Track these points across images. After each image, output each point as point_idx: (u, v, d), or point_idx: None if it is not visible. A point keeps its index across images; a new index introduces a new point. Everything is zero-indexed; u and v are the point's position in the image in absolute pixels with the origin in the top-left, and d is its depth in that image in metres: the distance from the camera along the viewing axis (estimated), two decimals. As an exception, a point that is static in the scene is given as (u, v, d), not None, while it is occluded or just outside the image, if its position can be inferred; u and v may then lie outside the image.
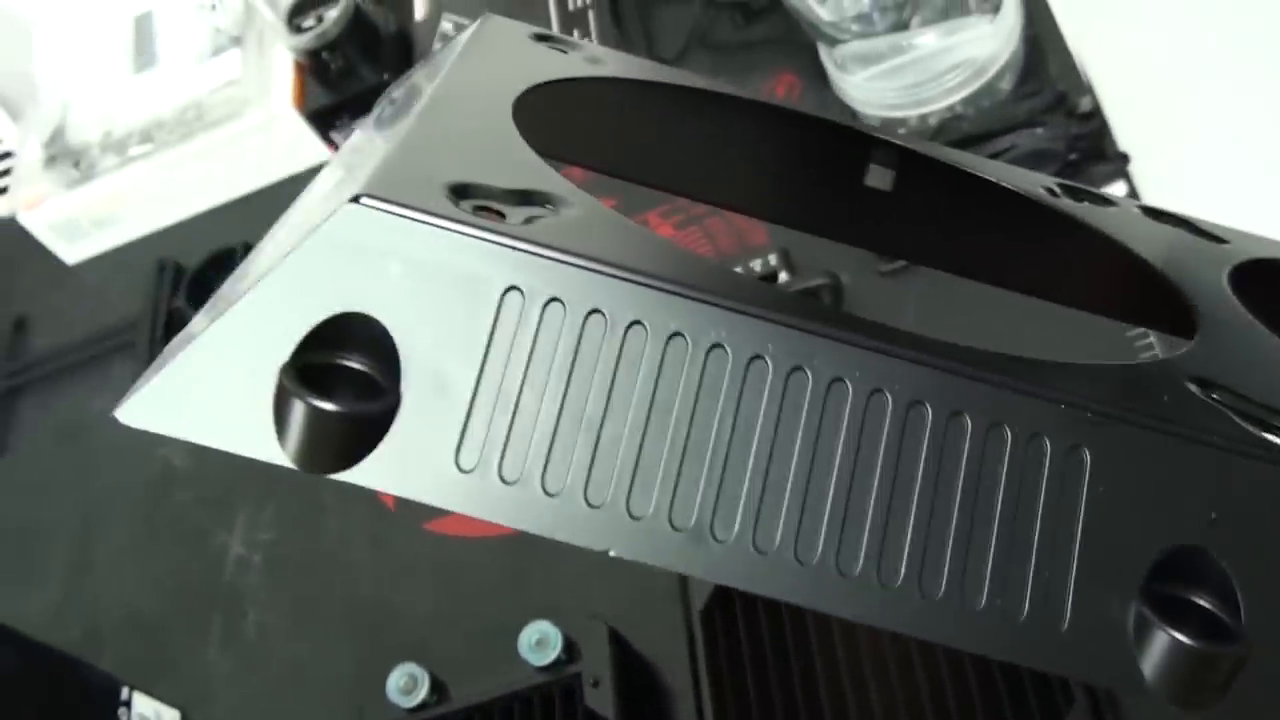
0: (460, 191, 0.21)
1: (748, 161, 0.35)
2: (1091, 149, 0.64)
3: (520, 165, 0.24)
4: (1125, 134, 0.65)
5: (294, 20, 0.82)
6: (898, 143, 0.34)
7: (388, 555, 0.67)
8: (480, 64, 0.30)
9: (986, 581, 0.20)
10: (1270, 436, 0.21)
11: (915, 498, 0.20)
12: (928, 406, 0.20)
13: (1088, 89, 0.66)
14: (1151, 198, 0.63)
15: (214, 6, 0.89)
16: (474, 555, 0.64)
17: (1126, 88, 0.66)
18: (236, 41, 0.87)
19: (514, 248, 0.20)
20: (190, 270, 0.83)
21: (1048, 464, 0.20)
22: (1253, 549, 0.20)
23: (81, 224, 0.89)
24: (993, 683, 0.48)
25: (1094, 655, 0.20)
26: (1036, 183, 0.32)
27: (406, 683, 0.57)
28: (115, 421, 0.21)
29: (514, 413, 0.20)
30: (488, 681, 0.57)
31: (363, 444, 0.20)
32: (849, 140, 0.34)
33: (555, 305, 0.20)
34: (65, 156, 0.88)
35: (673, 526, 0.20)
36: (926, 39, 0.68)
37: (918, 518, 0.20)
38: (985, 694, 0.48)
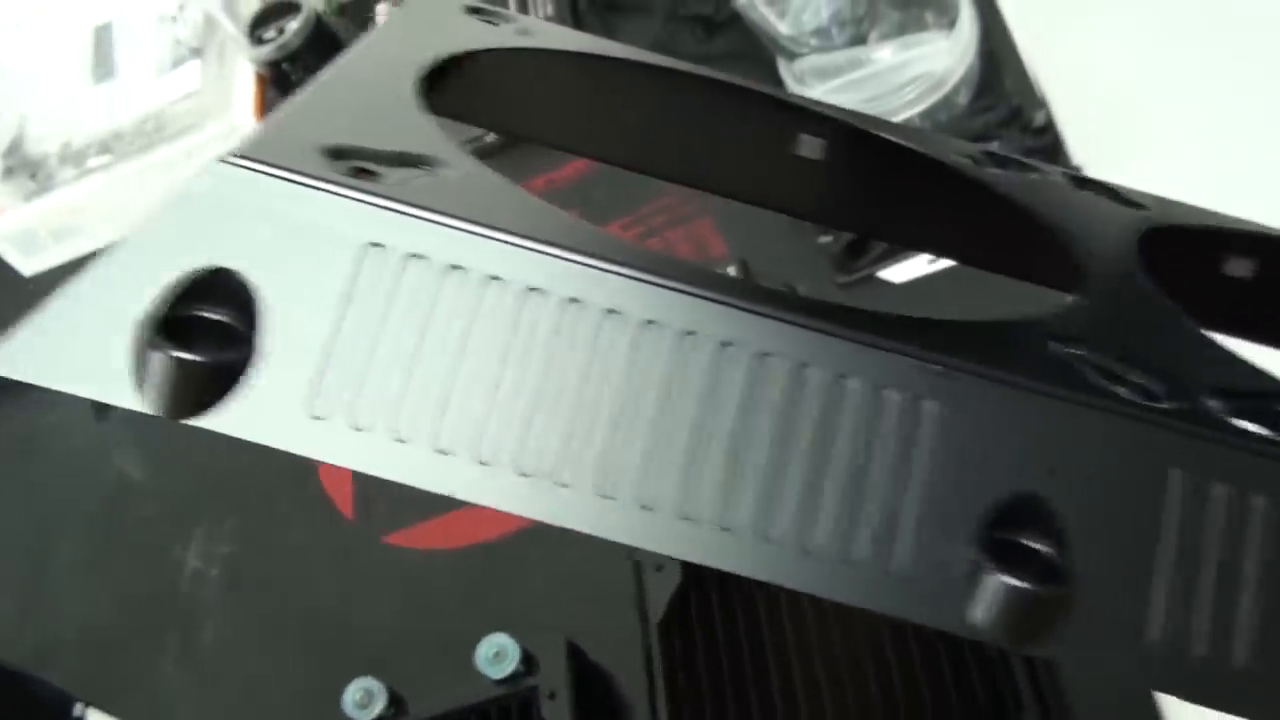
0: (337, 153, 0.22)
1: (680, 132, 0.36)
2: (1045, 162, 0.64)
3: (410, 130, 0.25)
4: (1078, 147, 0.65)
5: (255, 32, 0.82)
6: (828, 113, 0.34)
7: (346, 569, 0.66)
8: (401, 34, 0.31)
9: (828, 525, 0.20)
10: (1119, 390, 0.21)
11: (764, 448, 0.20)
12: (777, 359, 0.21)
13: (1041, 103, 0.66)
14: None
15: (175, 18, 0.89)
16: (432, 568, 0.64)
17: (1079, 102, 0.67)
18: (197, 53, 0.87)
19: (373, 204, 0.21)
20: (149, 282, 0.82)
21: (892, 415, 0.21)
22: (1088, 496, 0.21)
23: (39, 236, 0.88)
24: (945, 693, 0.49)
25: (928, 597, 0.20)
26: (963, 152, 0.33)
27: (362, 697, 0.57)
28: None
29: (368, 364, 0.20)
30: (445, 695, 0.57)
31: (220, 393, 0.20)
32: (780, 111, 0.35)
33: (415, 261, 0.21)
34: (23, 168, 0.87)
35: (521, 474, 0.20)
36: (884, 53, 0.69)
37: (765, 468, 0.20)
38: (937, 705, 0.48)
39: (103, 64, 0.90)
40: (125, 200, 0.86)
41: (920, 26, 0.69)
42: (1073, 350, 0.22)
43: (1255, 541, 0.20)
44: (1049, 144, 0.65)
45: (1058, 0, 0.72)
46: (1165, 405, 0.21)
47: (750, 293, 0.21)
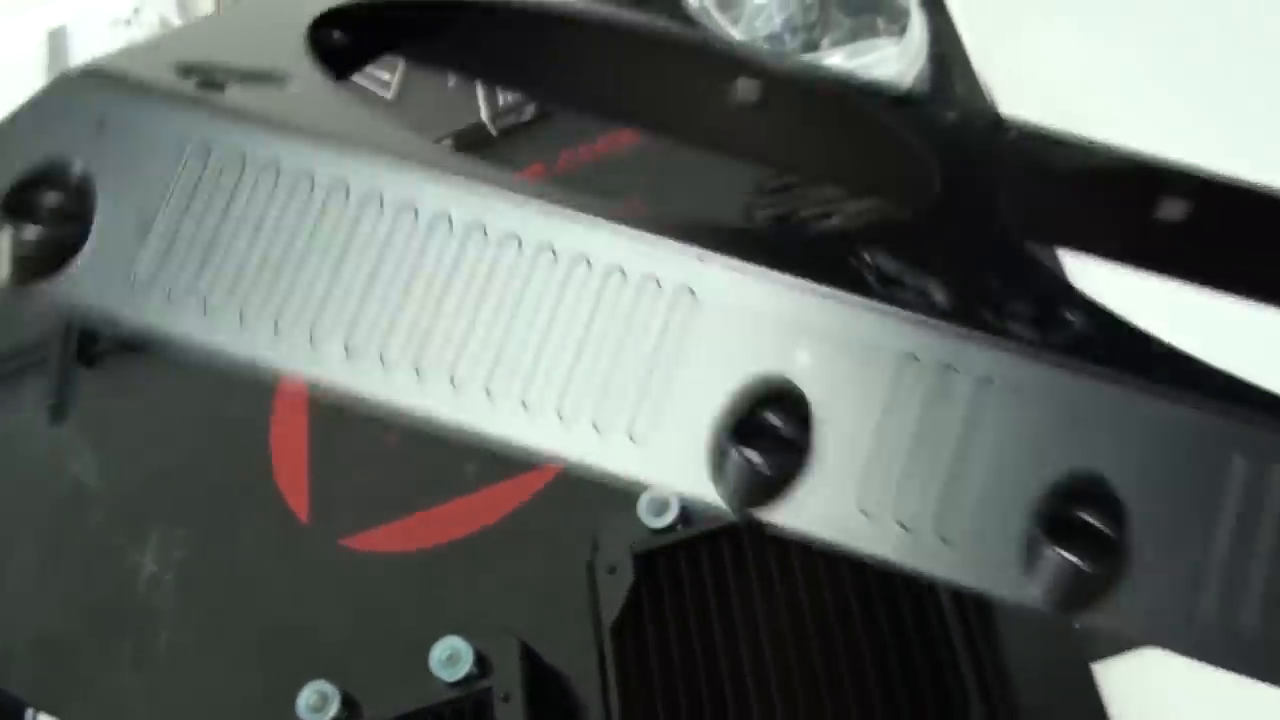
0: (188, 70, 0.25)
1: (610, 78, 0.38)
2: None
3: (275, 51, 0.28)
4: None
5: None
6: (762, 62, 0.36)
7: (302, 572, 0.66)
8: None
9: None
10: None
11: (564, 345, 0.23)
12: (588, 262, 0.22)
13: (989, 105, 0.67)
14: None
15: (129, 21, 0.88)
16: (387, 572, 0.64)
17: (1026, 104, 0.68)
18: (152, 56, 0.87)
19: (202, 108, 0.24)
20: (104, 287, 0.82)
21: (660, 302, 0.23)
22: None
23: (-7, 240, 0.87)
24: (894, 691, 0.49)
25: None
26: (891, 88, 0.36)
27: (316, 700, 0.57)
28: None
29: (189, 244, 0.24)
30: (399, 698, 0.57)
31: (59, 266, 0.24)
32: (716, 58, 0.36)
33: (235, 160, 0.24)
34: (-24, 172, 0.87)
35: (310, 342, 0.23)
36: (836, 59, 0.69)
37: (565, 362, 0.23)
38: (886, 702, 0.49)
39: (58, 67, 0.89)
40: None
41: (872, 33, 0.70)
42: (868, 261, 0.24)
43: None
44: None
45: (1006, 5, 0.73)
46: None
47: (570, 201, 0.23)
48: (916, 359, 0.22)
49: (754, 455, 0.21)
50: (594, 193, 0.23)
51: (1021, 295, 0.24)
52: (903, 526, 0.22)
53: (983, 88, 0.69)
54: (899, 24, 0.69)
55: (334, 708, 0.57)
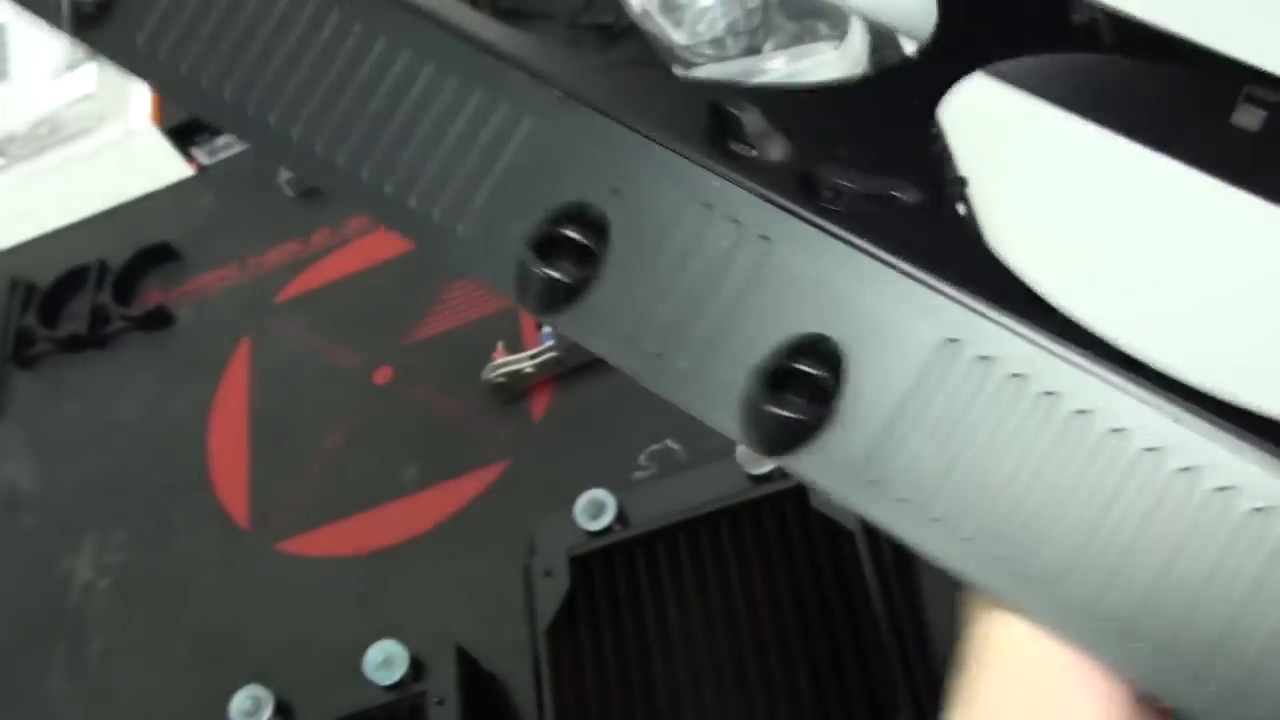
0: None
1: None
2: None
3: None
4: (962, 155, 0.67)
5: (150, 35, 0.81)
6: None
7: (239, 577, 0.66)
8: None
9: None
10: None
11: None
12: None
13: (931, 113, 0.68)
14: (992, 221, 0.65)
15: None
16: (325, 576, 0.64)
17: (965, 109, 0.68)
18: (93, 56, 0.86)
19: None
20: (42, 289, 0.81)
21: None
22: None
23: (-70, 239, 0.86)
24: (825, 694, 0.49)
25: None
26: None
27: (250, 705, 0.56)
28: None
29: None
30: (333, 702, 0.56)
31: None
32: None
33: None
34: (-88, 171, 0.86)
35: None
36: (778, 63, 0.70)
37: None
38: (817, 704, 0.49)
39: (-3, 65, 0.88)
40: (17, 203, 0.85)
41: (814, 37, 0.70)
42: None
43: None
44: (936, 151, 0.66)
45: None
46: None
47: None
48: (709, 207, 0.25)
49: (553, 270, 0.25)
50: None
51: (871, 172, 0.26)
52: (659, 356, 0.25)
53: (923, 93, 0.69)
54: (840, 29, 0.69)
55: (267, 713, 0.56)
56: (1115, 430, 0.22)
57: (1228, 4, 0.40)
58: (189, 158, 0.84)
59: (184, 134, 0.83)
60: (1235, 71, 0.35)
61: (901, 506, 0.23)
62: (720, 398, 0.24)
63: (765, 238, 0.24)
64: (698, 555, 0.55)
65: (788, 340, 0.24)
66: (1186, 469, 0.21)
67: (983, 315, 0.23)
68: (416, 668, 0.56)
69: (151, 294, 0.80)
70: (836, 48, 0.68)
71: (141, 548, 0.69)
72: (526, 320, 0.70)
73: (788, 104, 0.27)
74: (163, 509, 0.70)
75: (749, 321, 0.24)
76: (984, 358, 0.23)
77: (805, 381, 0.24)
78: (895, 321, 0.24)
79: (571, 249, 0.26)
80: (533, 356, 0.66)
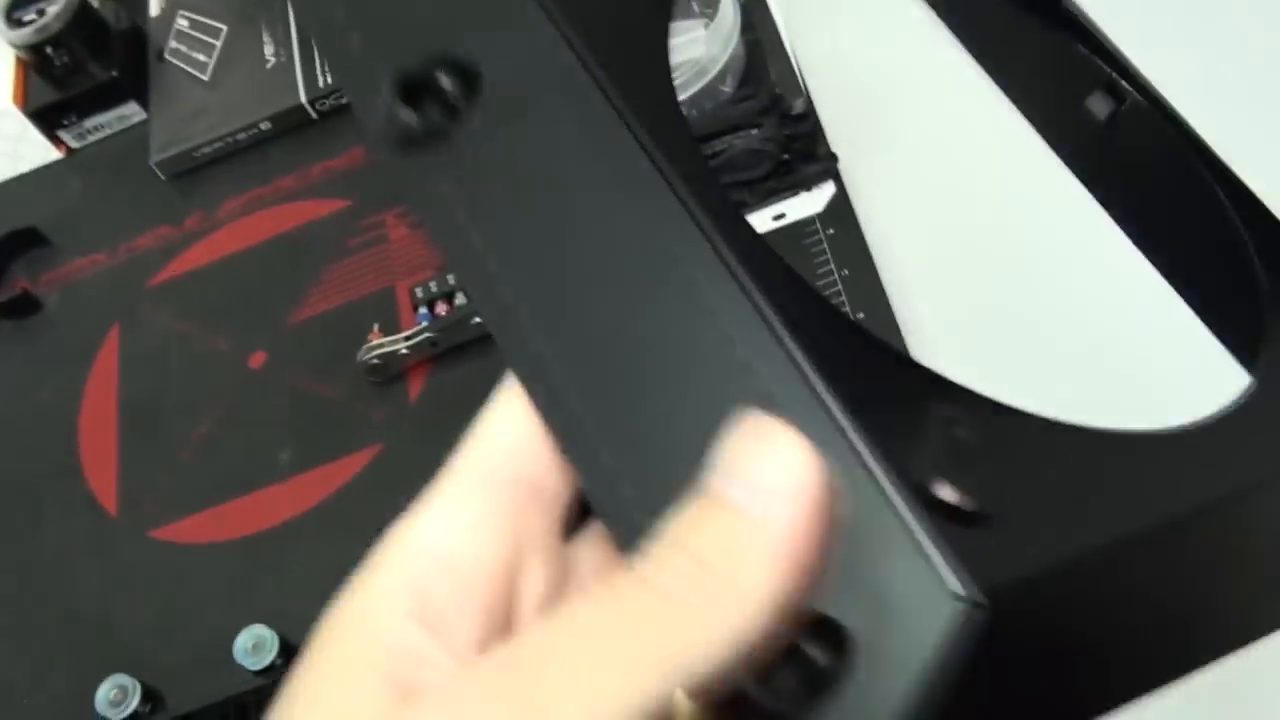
0: None
1: None
2: (804, 150, 0.67)
3: None
4: (836, 134, 0.68)
5: (12, 14, 0.79)
6: None
7: (108, 565, 0.64)
8: None
9: None
10: None
11: None
12: None
13: (802, 91, 0.68)
14: (861, 195, 0.66)
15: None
16: (197, 562, 0.63)
17: (837, 91, 0.69)
18: (-47, 36, 0.83)
19: None
20: (-99, 277, 0.78)
21: None
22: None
23: None
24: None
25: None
26: None
27: (116, 695, 0.56)
28: None
29: None
30: (203, 688, 0.56)
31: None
32: None
33: None
34: None
35: None
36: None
37: None
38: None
39: None
40: (-125, 190, 0.82)
41: (685, 14, 0.70)
42: None
43: None
44: (808, 131, 0.67)
45: (818, -8, 0.75)
46: None
47: None
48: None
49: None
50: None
51: None
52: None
53: (797, 74, 0.70)
54: (712, 7, 0.69)
55: (134, 701, 0.55)
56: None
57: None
58: (56, 141, 0.82)
59: (50, 116, 0.81)
60: (1108, 59, 0.36)
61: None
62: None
63: None
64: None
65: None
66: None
67: None
68: (288, 652, 0.55)
69: (18, 280, 0.77)
70: (708, 25, 0.68)
71: (8, 537, 0.67)
72: (403, 302, 0.70)
73: None
74: (31, 497, 0.68)
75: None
76: None
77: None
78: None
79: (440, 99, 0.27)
80: (408, 338, 0.65)
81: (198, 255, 0.76)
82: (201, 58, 0.82)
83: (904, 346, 0.60)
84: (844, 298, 0.62)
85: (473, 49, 0.26)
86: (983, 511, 0.20)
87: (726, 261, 0.22)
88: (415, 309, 0.68)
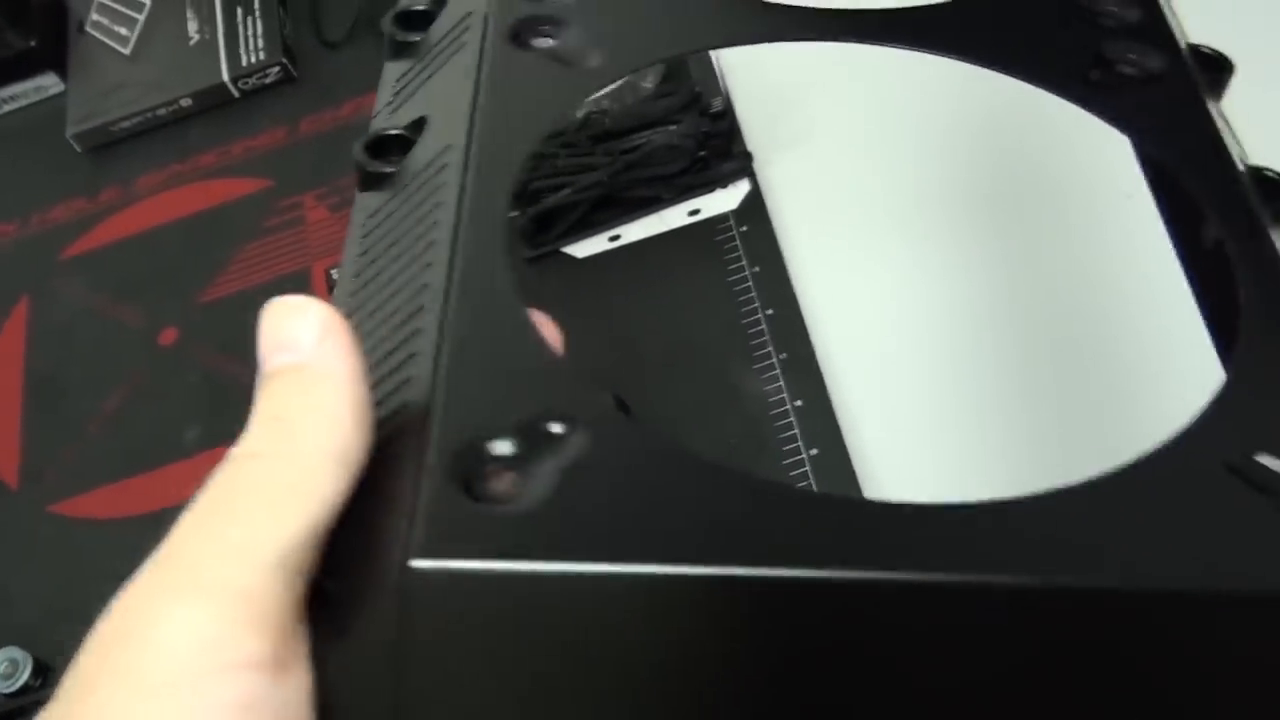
0: None
1: None
2: (721, 147, 0.68)
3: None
4: (752, 132, 0.69)
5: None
6: None
7: (4, 538, 0.64)
8: None
9: None
10: None
11: None
12: None
13: (722, 90, 0.69)
14: (776, 194, 0.68)
15: None
16: (97, 537, 0.63)
17: (754, 90, 0.70)
18: None
19: None
20: None
21: None
22: None
23: None
24: None
25: None
26: None
27: (7, 668, 0.55)
28: None
29: None
30: (97, 664, 0.55)
31: None
32: None
33: None
34: None
35: None
36: None
37: None
38: None
39: None
40: None
41: None
42: None
43: None
44: (725, 129, 0.68)
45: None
46: None
47: None
48: None
49: None
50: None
51: None
52: None
53: (716, 72, 0.71)
54: None
55: (25, 674, 0.55)
56: None
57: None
58: (-29, 109, 0.81)
59: (-35, 84, 0.79)
60: None
61: None
62: None
63: None
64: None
65: None
66: None
67: None
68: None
69: (-74, 249, 0.76)
70: None
71: (-96, 510, 0.66)
72: (319, 284, 0.70)
73: None
74: (-71, 470, 0.67)
75: None
76: None
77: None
78: None
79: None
80: (320, 319, 0.65)
81: (112, 229, 0.75)
82: (123, 31, 0.81)
83: (810, 347, 0.61)
84: (754, 293, 0.63)
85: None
86: (517, 502, 0.21)
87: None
88: (330, 291, 0.68)
